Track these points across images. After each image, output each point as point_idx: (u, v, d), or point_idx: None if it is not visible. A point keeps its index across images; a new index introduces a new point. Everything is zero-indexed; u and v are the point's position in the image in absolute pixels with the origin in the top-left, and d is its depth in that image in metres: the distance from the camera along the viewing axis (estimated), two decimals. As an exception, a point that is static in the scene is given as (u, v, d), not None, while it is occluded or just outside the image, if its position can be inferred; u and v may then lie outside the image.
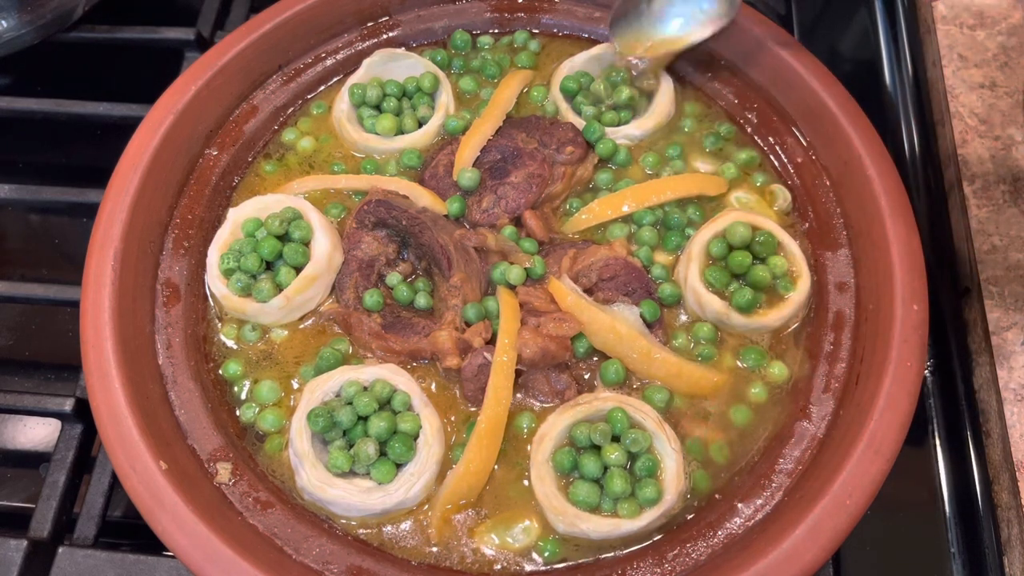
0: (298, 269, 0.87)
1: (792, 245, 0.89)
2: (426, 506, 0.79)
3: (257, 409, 0.84)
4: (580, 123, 0.99)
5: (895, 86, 1.16)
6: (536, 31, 1.11)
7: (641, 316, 0.85)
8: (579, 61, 1.04)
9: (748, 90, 1.03)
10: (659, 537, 0.77)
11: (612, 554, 0.76)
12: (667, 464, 0.77)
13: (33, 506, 0.84)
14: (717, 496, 0.79)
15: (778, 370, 0.85)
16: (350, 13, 1.07)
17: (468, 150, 0.95)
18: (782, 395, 0.84)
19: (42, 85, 1.23)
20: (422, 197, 0.94)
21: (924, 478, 0.89)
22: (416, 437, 0.79)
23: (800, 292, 0.86)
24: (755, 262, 0.87)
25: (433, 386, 0.85)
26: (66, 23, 1.16)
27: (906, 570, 0.84)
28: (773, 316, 0.86)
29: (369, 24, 1.09)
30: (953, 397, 0.92)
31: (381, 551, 0.77)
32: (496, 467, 0.80)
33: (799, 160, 0.97)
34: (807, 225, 0.94)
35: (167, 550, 0.72)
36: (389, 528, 0.78)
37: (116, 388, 0.77)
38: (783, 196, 0.96)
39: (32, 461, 0.96)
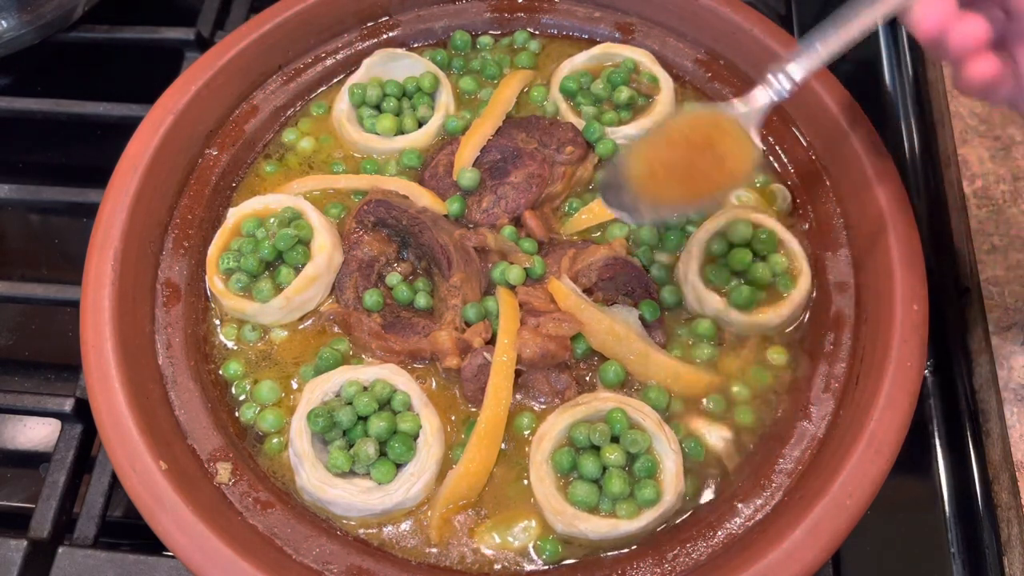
0: (298, 269, 0.88)
1: (792, 243, 0.89)
2: (426, 506, 0.79)
3: (257, 409, 0.84)
4: (580, 123, 0.99)
5: (895, 86, 1.16)
6: (536, 31, 1.11)
7: (640, 317, 0.85)
8: (579, 61, 1.04)
9: (748, 90, 1.02)
10: (659, 537, 0.77)
11: (612, 554, 0.76)
12: (666, 465, 0.77)
13: (33, 506, 0.84)
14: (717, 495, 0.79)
15: (777, 355, 0.86)
16: (350, 13, 1.07)
17: (468, 150, 0.95)
18: (783, 387, 0.85)
19: (42, 85, 1.23)
20: (422, 197, 0.94)
21: (924, 478, 0.88)
22: (416, 437, 0.79)
23: (800, 291, 0.86)
24: (755, 260, 0.87)
25: (433, 386, 0.85)
26: (66, 23, 1.16)
27: (906, 570, 0.84)
28: (772, 314, 0.86)
29: (369, 24, 1.09)
30: (953, 397, 0.92)
31: (381, 551, 0.77)
32: (496, 467, 0.80)
33: (799, 160, 0.97)
34: (807, 225, 0.94)
35: (167, 550, 0.72)
36: (389, 528, 0.78)
37: (116, 388, 0.77)
38: (783, 196, 0.96)
39: (32, 461, 0.96)
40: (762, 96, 0.76)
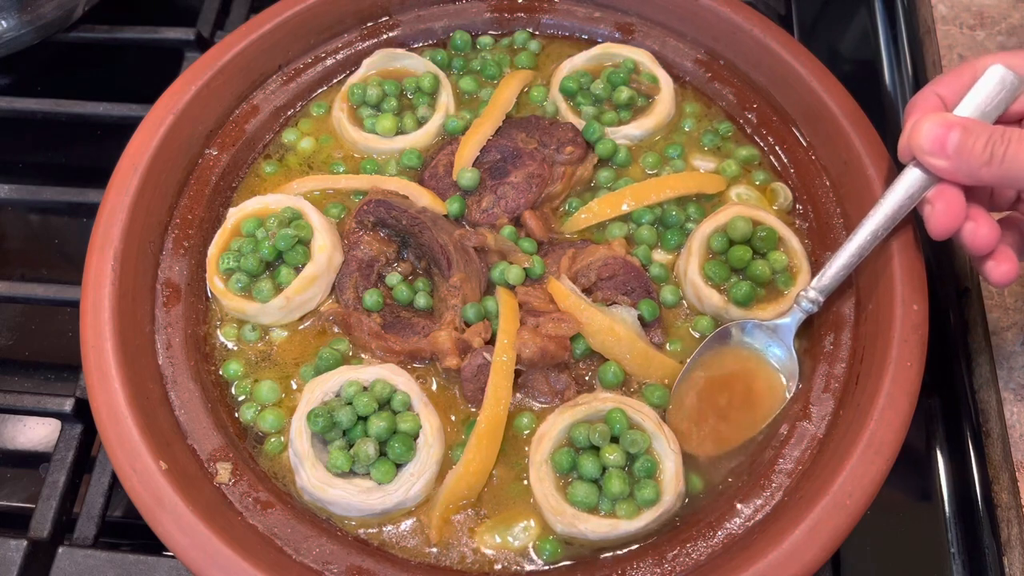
0: (298, 269, 0.88)
1: (793, 240, 0.89)
2: (426, 506, 0.79)
3: (257, 409, 0.84)
4: (580, 123, 0.99)
5: (895, 86, 1.16)
6: (536, 31, 1.11)
7: (640, 317, 0.85)
8: (579, 61, 1.05)
9: (748, 90, 1.03)
10: (659, 537, 0.77)
11: (612, 554, 0.76)
12: (666, 465, 0.77)
13: (33, 506, 0.84)
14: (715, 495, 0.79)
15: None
16: (350, 13, 1.07)
17: (468, 150, 0.95)
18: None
19: (42, 85, 1.23)
20: (422, 197, 0.94)
21: (924, 478, 0.89)
22: (416, 437, 0.79)
23: (800, 288, 0.86)
24: (755, 257, 0.88)
25: (433, 386, 0.85)
26: (66, 23, 1.16)
27: (906, 570, 0.84)
28: (772, 311, 0.86)
29: (369, 24, 1.09)
30: (953, 397, 0.92)
31: (381, 551, 0.77)
32: (496, 467, 0.80)
33: (799, 160, 0.97)
34: (807, 225, 0.94)
35: (167, 550, 0.72)
36: (389, 528, 0.78)
37: (116, 388, 0.77)
38: (784, 194, 0.96)
39: (32, 461, 0.96)
40: (795, 315, 0.83)
